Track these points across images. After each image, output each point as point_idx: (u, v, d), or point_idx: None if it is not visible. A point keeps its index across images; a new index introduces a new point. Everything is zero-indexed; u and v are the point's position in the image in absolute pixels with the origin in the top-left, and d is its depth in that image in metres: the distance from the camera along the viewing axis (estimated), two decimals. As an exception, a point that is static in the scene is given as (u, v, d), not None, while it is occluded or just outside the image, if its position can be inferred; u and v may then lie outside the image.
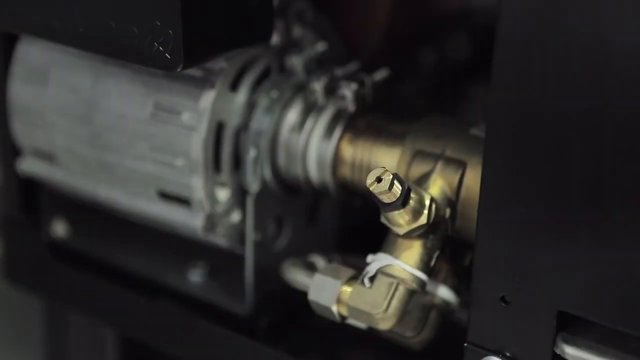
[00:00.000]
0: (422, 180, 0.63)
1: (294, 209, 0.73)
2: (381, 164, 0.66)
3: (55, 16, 0.64)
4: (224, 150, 0.69)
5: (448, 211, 0.62)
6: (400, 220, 0.59)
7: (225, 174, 0.69)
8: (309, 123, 0.70)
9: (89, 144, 0.72)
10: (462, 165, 0.62)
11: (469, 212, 0.61)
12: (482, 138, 0.56)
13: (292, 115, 0.70)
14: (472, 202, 0.60)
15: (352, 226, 0.78)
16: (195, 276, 0.76)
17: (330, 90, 0.70)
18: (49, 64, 0.73)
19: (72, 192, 0.77)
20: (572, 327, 0.55)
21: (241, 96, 0.69)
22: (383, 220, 0.60)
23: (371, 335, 0.64)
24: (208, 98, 0.67)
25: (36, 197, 0.82)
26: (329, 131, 0.69)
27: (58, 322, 0.92)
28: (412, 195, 0.58)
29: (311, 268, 0.69)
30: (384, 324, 0.60)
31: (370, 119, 0.69)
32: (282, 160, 0.70)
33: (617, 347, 0.54)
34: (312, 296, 0.63)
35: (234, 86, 0.69)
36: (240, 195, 0.70)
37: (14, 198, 0.83)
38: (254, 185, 0.70)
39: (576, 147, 0.51)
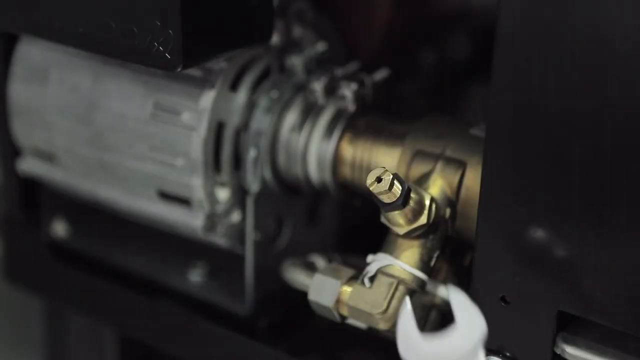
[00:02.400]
0: (422, 180, 0.63)
1: (294, 209, 0.73)
2: (381, 164, 0.66)
3: (55, 16, 0.64)
4: (224, 150, 0.69)
5: (448, 211, 0.62)
6: (400, 220, 0.59)
7: (225, 174, 0.69)
8: (309, 123, 0.70)
9: (89, 144, 0.72)
10: (462, 165, 0.62)
11: (469, 212, 0.61)
12: (482, 138, 0.56)
13: (292, 115, 0.70)
14: (472, 202, 0.60)
15: (352, 226, 0.78)
16: (195, 276, 0.76)
17: (330, 90, 0.70)
18: (49, 64, 0.73)
19: (72, 192, 0.77)
20: (572, 327, 0.55)
21: (241, 96, 0.69)
22: (383, 220, 0.60)
23: (371, 335, 0.64)
24: (208, 98, 0.67)
25: (36, 197, 0.82)
26: (329, 131, 0.69)
27: (58, 322, 0.92)
28: (412, 195, 0.58)
29: (311, 268, 0.69)
30: (384, 324, 0.60)
31: (370, 119, 0.69)
32: (282, 160, 0.71)
33: (617, 347, 0.54)
34: (312, 296, 0.63)
35: (234, 86, 0.69)
36: (240, 195, 0.70)
37: (14, 198, 0.83)
38: (254, 185, 0.70)
39: (576, 147, 0.51)
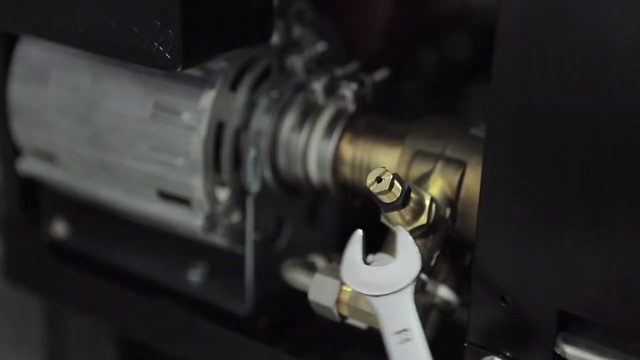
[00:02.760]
0: (422, 180, 0.63)
1: (294, 209, 0.73)
2: (381, 164, 0.66)
3: (55, 16, 0.64)
4: (224, 150, 0.69)
5: (448, 211, 0.62)
6: (400, 220, 0.59)
7: (225, 174, 0.69)
8: (308, 123, 0.70)
9: (89, 144, 0.72)
10: (462, 165, 0.62)
11: (469, 212, 0.61)
12: (482, 138, 0.56)
13: (292, 115, 0.70)
14: (472, 202, 0.60)
15: (352, 226, 0.78)
16: (195, 276, 0.76)
17: (330, 90, 0.70)
18: (49, 64, 0.73)
19: (72, 192, 0.77)
20: (572, 327, 0.55)
21: (241, 96, 0.69)
22: (383, 220, 0.60)
23: (371, 335, 0.64)
24: (208, 98, 0.67)
25: (36, 197, 0.82)
26: (329, 131, 0.69)
27: (58, 322, 0.92)
28: (412, 195, 0.58)
29: (311, 268, 0.69)
30: (384, 324, 0.60)
31: (370, 119, 0.69)
32: (282, 160, 0.71)
33: (617, 347, 0.54)
34: (312, 296, 0.63)
35: (234, 86, 0.69)
36: (240, 195, 0.70)
37: (14, 198, 0.83)
38: (254, 185, 0.70)
39: (576, 147, 0.51)
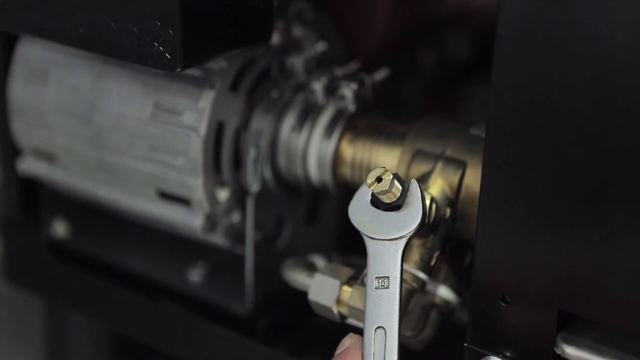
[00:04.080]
0: (422, 180, 0.63)
1: (294, 209, 0.73)
2: (381, 164, 0.66)
3: (55, 16, 0.64)
4: (224, 150, 0.69)
5: (448, 211, 0.62)
6: (400, 220, 0.59)
7: (225, 174, 0.69)
8: (309, 123, 0.70)
9: (89, 144, 0.72)
10: (462, 165, 0.62)
11: (469, 212, 0.61)
12: (482, 138, 0.56)
13: (292, 115, 0.70)
14: (472, 202, 0.60)
15: (352, 226, 0.78)
16: (195, 276, 0.76)
17: (330, 90, 0.70)
18: (49, 64, 0.73)
19: (72, 192, 0.77)
20: (572, 327, 0.55)
21: (241, 96, 0.69)
22: (383, 220, 0.60)
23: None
24: (208, 98, 0.67)
25: (36, 197, 0.82)
26: (329, 131, 0.69)
27: (58, 322, 0.92)
28: (412, 195, 0.58)
29: (311, 268, 0.69)
30: (384, 324, 0.60)
31: (370, 119, 0.69)
32: (282, 160, 0.71)
33: (617, 347, 0.54)
34: (312, 296, 0.63)
35: (234, 86, 0.69)
36: (240, 195, 0.70)
37: (14, 198, 0.83)
38: (254, 185, 0.70)
39: (576, 147, 0.51)
